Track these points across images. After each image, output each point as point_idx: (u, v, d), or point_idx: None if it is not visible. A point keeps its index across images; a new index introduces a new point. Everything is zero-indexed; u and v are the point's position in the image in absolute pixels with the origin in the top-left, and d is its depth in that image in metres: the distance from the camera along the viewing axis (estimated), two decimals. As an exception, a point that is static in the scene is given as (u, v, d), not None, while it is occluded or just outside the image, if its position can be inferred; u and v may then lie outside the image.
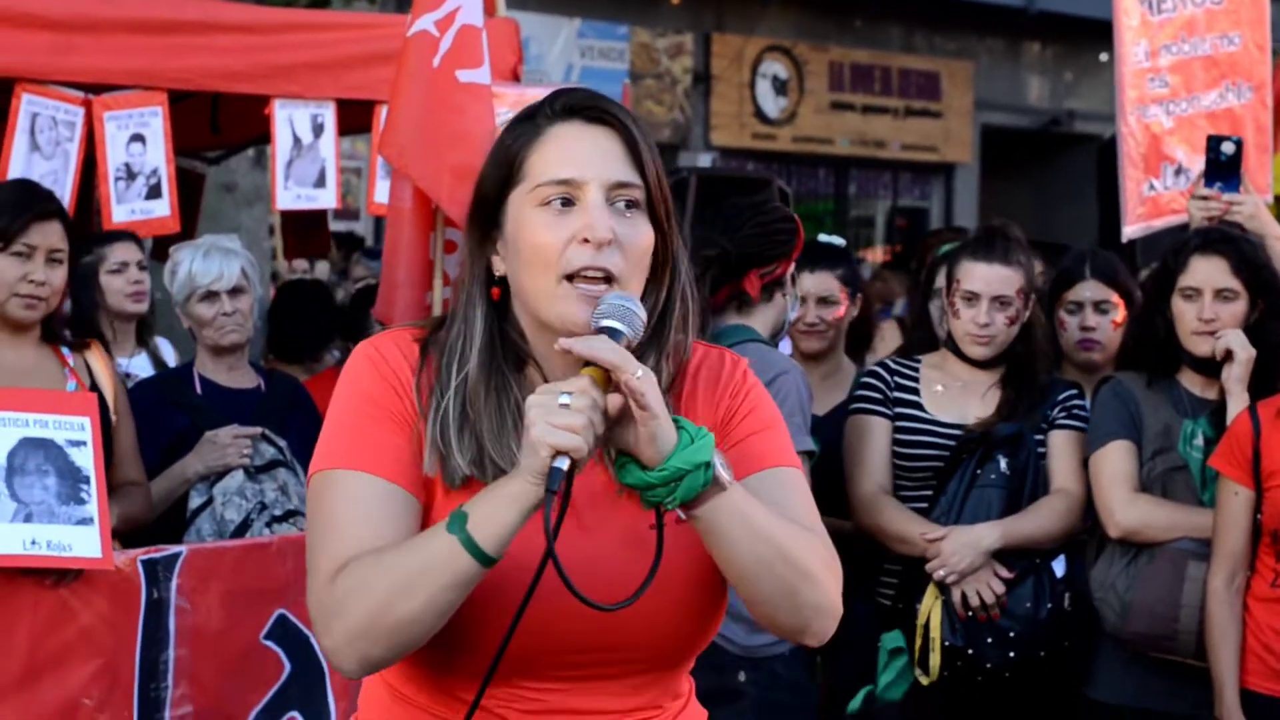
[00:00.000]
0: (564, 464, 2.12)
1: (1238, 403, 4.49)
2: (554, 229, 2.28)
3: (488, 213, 2.37)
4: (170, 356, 6.17)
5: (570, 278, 2.28)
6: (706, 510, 2.22)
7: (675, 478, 2.17)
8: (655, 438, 2.17)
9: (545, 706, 2.35)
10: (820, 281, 5.42)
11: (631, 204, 2.33)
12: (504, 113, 5.83)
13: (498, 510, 2.16)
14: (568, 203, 2.30)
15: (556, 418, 2.11)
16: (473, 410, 2.33)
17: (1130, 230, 5.66)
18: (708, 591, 2.39)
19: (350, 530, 2.26)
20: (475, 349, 2.35)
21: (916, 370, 4.90)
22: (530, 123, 2.37)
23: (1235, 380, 4.52)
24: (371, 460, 2.30)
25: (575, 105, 2.36)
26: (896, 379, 4.88)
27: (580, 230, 2.27)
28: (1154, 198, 5.61)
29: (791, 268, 4.63)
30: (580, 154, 2.31)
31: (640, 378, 2.15)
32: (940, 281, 5.35)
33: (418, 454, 2.34)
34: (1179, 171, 5.55)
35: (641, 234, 2.33)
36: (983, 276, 4.72)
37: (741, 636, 4.28)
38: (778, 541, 2.28)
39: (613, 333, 2.22)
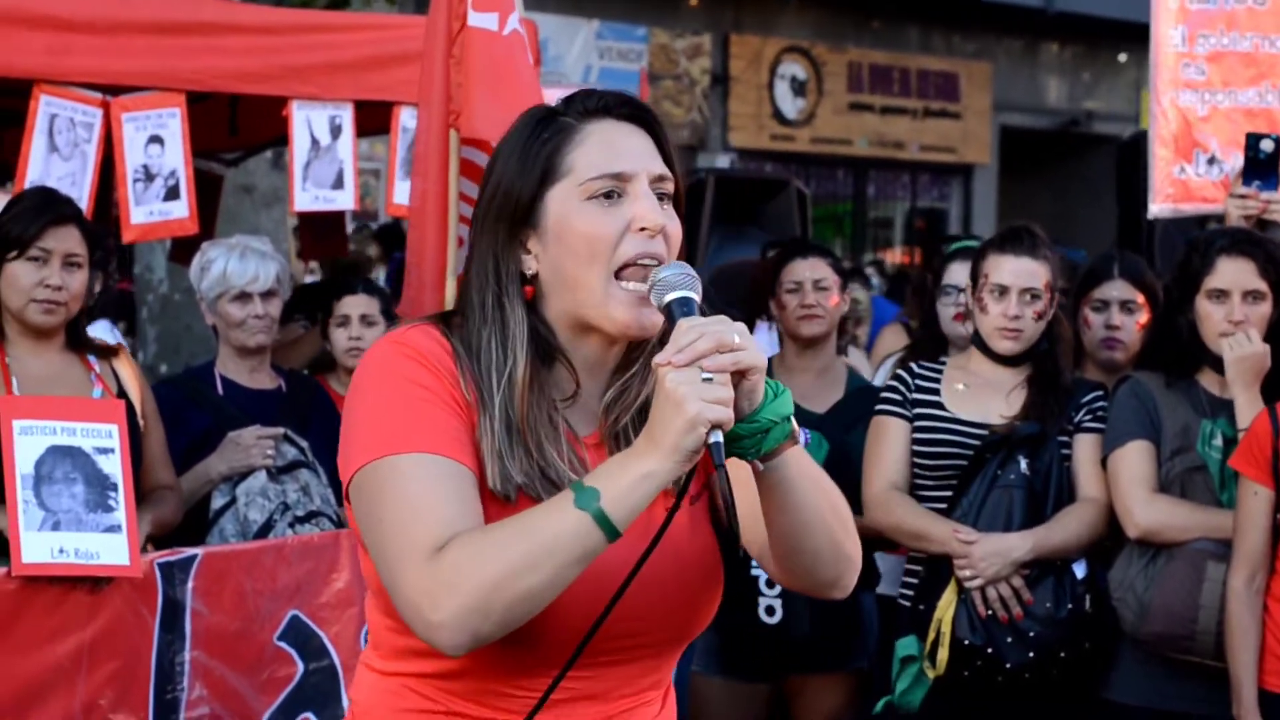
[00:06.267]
0: (718, 437, 2.14)
1: (1244, 399, 4.50)
2: (607, 220, 2.33)
3: (518, 211, 2.38)
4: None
5: (620, 271, 2.33)
6: (781, 461, 2.29)
7: (763, 430, 2.23)
8: (754, 393, 2.22)
9: (572, 694, 2.36)
10: (815, 267, 5.42)
11: (664, 196, 2.40)
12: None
13: (635, 488, 2.16)
14: (612, 195, 2.35)
15: (708, 393, 2.13)
16: (518, 417, 2.33)
17: (1156, 209, 5.69)
18: (714, 575, 2.47)
19: (437, 510, 2.21)
20: (519, 351, 2.35)
21: (940, 371, 4.91)
22: (558, 122, 2.41)
23: (1236, 381, 4.53)
24: (437, 442, 2.26)
25: (608, 104, 2.42)
26: (918, 380, 4.88)
27: (635, 219, 2.33)
28: (1184, 181, 5.64)
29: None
30: (625, 148, 2.37)
31: (746, 343, 2.19)
32: (952, 279, 5.40)
33: (473, 439, 2.32)
34: (1211, 160, 5.58)
35: (677, 225, 2.40)
36: (1011, 269, 4.71)
37: None
38: (831, 494, 2.40)
39: (684, 301, 2.25)
